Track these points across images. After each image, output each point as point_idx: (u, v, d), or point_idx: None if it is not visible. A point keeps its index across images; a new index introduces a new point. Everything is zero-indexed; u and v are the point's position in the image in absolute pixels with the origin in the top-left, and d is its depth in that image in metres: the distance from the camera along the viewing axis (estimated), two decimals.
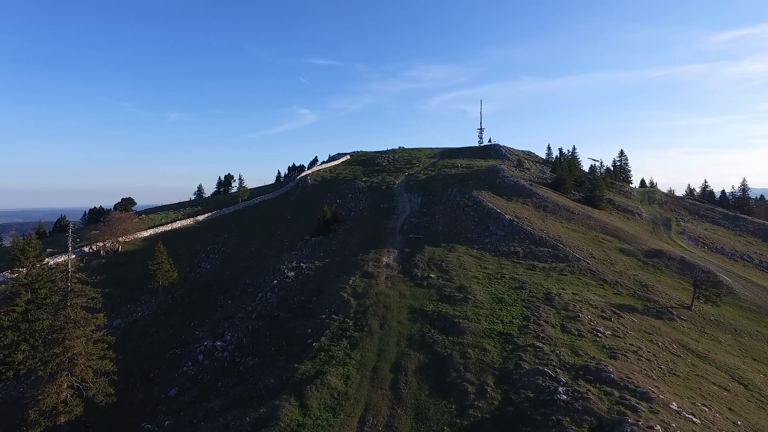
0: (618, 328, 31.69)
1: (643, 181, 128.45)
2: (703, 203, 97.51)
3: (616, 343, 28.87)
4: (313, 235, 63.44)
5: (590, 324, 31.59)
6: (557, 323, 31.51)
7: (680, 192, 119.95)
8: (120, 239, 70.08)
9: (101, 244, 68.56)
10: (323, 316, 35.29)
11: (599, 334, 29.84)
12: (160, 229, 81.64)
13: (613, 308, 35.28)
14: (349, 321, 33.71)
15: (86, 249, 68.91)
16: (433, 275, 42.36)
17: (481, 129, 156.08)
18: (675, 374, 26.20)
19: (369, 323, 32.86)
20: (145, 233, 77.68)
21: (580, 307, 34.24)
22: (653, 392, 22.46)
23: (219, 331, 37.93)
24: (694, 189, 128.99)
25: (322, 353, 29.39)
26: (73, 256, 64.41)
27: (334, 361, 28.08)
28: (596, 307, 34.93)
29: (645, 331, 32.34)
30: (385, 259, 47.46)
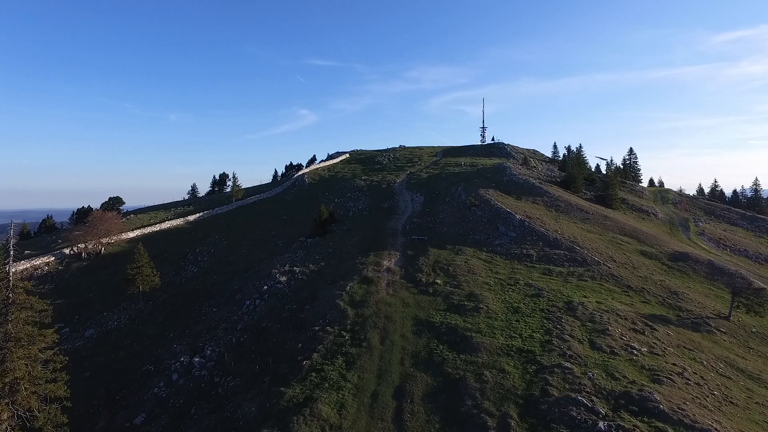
0: (654, 343, 27.57)
1: (651, 181, 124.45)
2: (718, 203, 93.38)
3: (656, 362, 24.78)
4: (309, 237, 59.26)
5: (622, 339, 27.48)
6: (584, 338, 27.42)
7: (688, 192, 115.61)
8: (102, 240, 65.80)
9: (83, 245, 64.26)
10: (316, 328, 31.19)
11: (635, 352, 25.75)
12: (148, 229, 77.41)
13: (644, 319, 31.13)
14: (345, 334, 29.64)
15: (67, 251, 64.69)
16: (439, 281, 38.24)
17: (483, 128, 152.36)
18: (732, 402, 22.08)
19: (368, 337, 28.78)
20: (131, 234, 73.43)
21: (608, 319, 30.12)
22: (715, 429, 18.33)
23: (199, 344, 33.70)
24: (703, 189, 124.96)
25: (314, 374, 25.34)
26: (45, 261, 60.59)
27: (326, 385, 24.05)
28: (626, 319, 30.77)
29: (684, 347, 28.21)
30: (386, 263, 43.27)
